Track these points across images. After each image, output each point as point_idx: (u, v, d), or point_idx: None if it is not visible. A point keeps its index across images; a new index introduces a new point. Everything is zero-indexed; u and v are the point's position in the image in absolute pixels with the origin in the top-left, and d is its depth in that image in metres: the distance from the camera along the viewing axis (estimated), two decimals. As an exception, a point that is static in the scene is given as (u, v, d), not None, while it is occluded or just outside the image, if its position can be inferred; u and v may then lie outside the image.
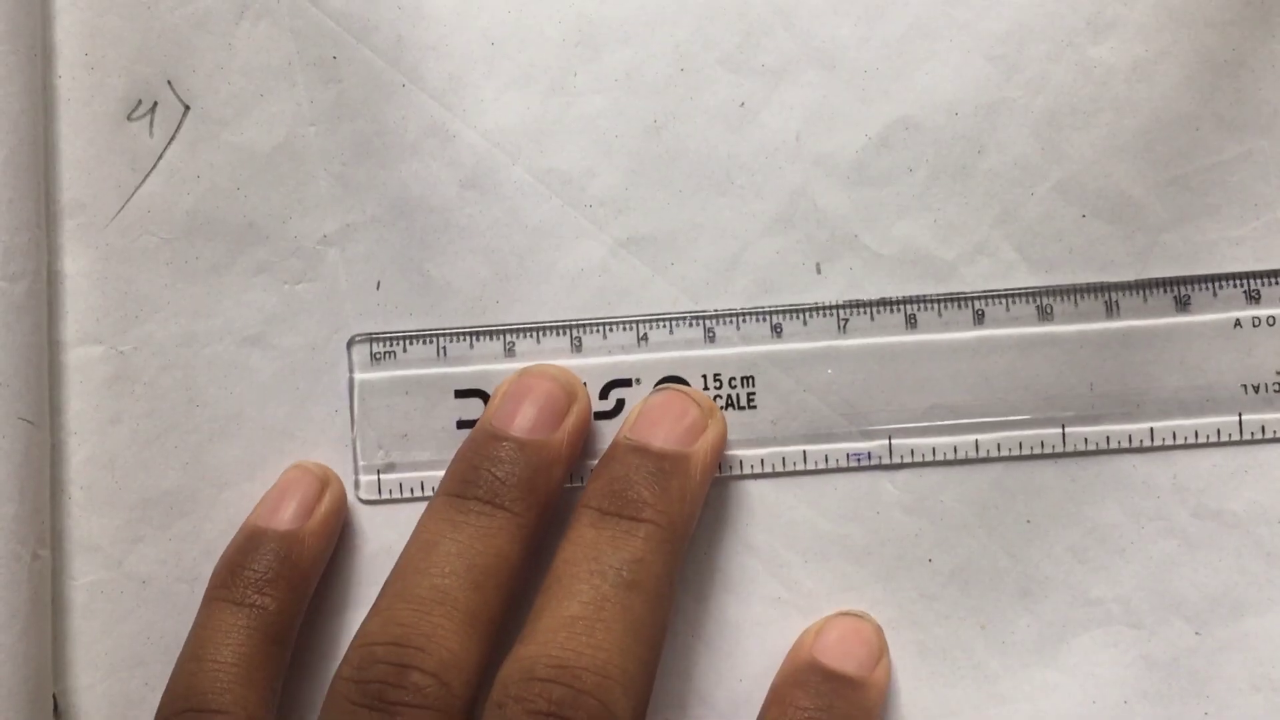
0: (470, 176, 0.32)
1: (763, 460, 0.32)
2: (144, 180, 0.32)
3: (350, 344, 0.32)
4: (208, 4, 0.32)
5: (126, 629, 0.32)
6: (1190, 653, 0.31)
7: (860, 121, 0.32)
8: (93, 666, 0.32)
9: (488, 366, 0.32)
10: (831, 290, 0.32)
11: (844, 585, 0.32)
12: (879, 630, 0.31)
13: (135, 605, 0.32)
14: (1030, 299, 0.32)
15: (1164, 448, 0.32)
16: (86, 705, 0.32)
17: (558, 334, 0.32)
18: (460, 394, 0.32)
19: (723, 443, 0.31)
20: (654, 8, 0.32)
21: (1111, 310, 0.32)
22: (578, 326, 0.32)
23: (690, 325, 0.32)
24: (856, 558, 0.32)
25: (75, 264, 0.32)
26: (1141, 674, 0.31)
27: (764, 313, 0.32)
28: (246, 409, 0.32)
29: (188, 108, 0.32)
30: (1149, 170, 0.32)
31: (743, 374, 0.32)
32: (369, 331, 0.32)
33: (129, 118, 0.32)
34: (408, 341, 0.32)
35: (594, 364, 0.32)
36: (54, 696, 0.31)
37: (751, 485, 0.32)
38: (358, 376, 0.32)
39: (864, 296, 0.32)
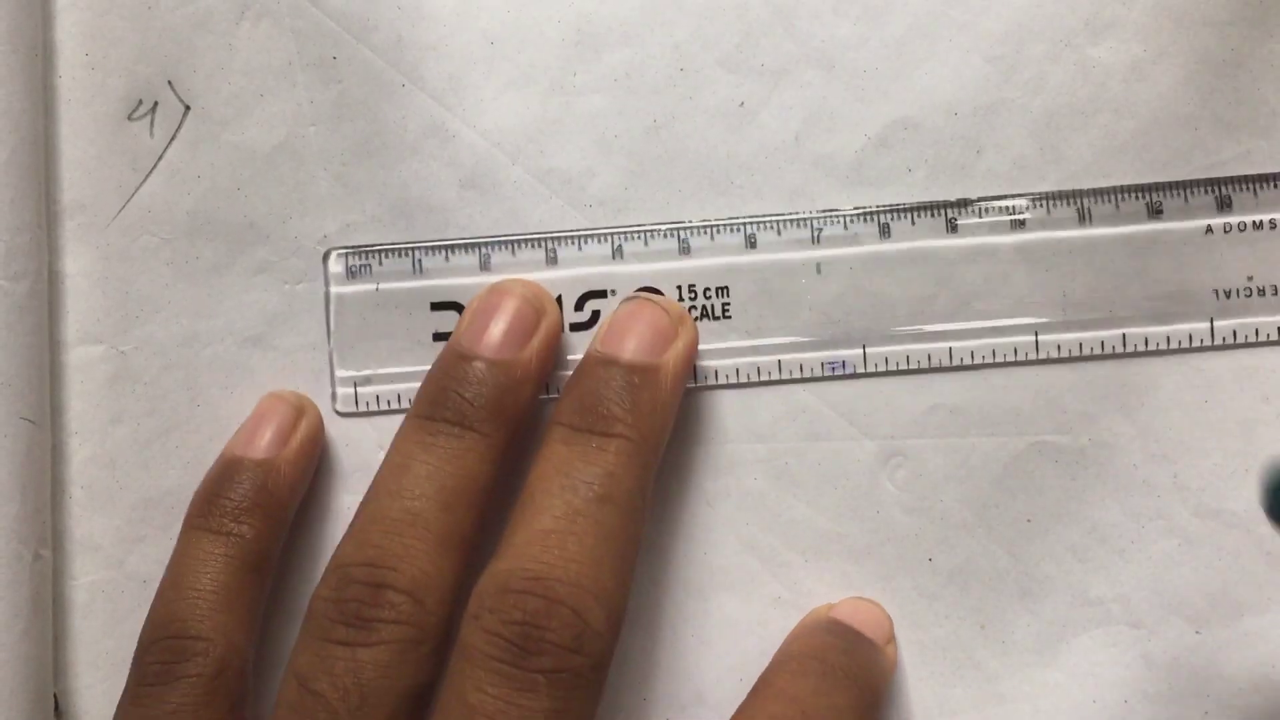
0: (470, 176, 0.32)
1: (737, 370, 0.32)
2: (144, 180, 0.32)
3: (326, 256, 0.32)
4: (208, 4, 0.32)
5: (127, 629, 0.32)
6: (1190, 653, 0.31)
7: (859, 122, 0.32)
8: (93, 666, 0.32)
9: (463, 280, 0.32)
10: (831, 290, 0.32)
11: (844, 585, 0.32)
12: (888, 616, 0.31)
13: (136, 605, 0.32)
14: (1004, 209, 0.32)
15: (1137, 355, 0.32)
16: (87, 705, 0.32)
17: (533, 246, 0.32)
18: (436, 306, 0.32)
19: (694, 351, 0.31)
20: (653, 8, 0.32)
21: (1084, 218, 0.32)
22: (553, 239, 0.32)
23: (665, 237, 0.32)
24: (856, 557, 0.32)
25: (76, 264, 0.32)
26: (1141, 674, 0.31)
27: (738, 223, 0.32)
28: (247, 409, 0.32)
29: (188, 108, 0.32)
30: (1147, 171, 0.32)
31: (717, 284, 0.32)
32: (345, 245, 0.32)
33: (129, 118, 0.32)
34: (383, 255, 0.32)
35: (569, 276, 0.32)
36: (54, 696, 0.32)
37: (751, 483, 0.32)
38: (333, 290, 0.32)
39: (863, 297, 0.32)
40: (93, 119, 0.32)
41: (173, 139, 0.32)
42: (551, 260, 0.32)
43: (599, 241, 0.32)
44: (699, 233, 0.32)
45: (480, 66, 0.32)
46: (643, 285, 0.32)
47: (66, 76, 0.32)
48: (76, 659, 0.32)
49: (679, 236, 0.32)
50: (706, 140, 0.32)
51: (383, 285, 0.32)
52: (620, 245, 0.32)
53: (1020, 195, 0.32)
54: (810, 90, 0.32)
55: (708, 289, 0.32)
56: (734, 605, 0.32)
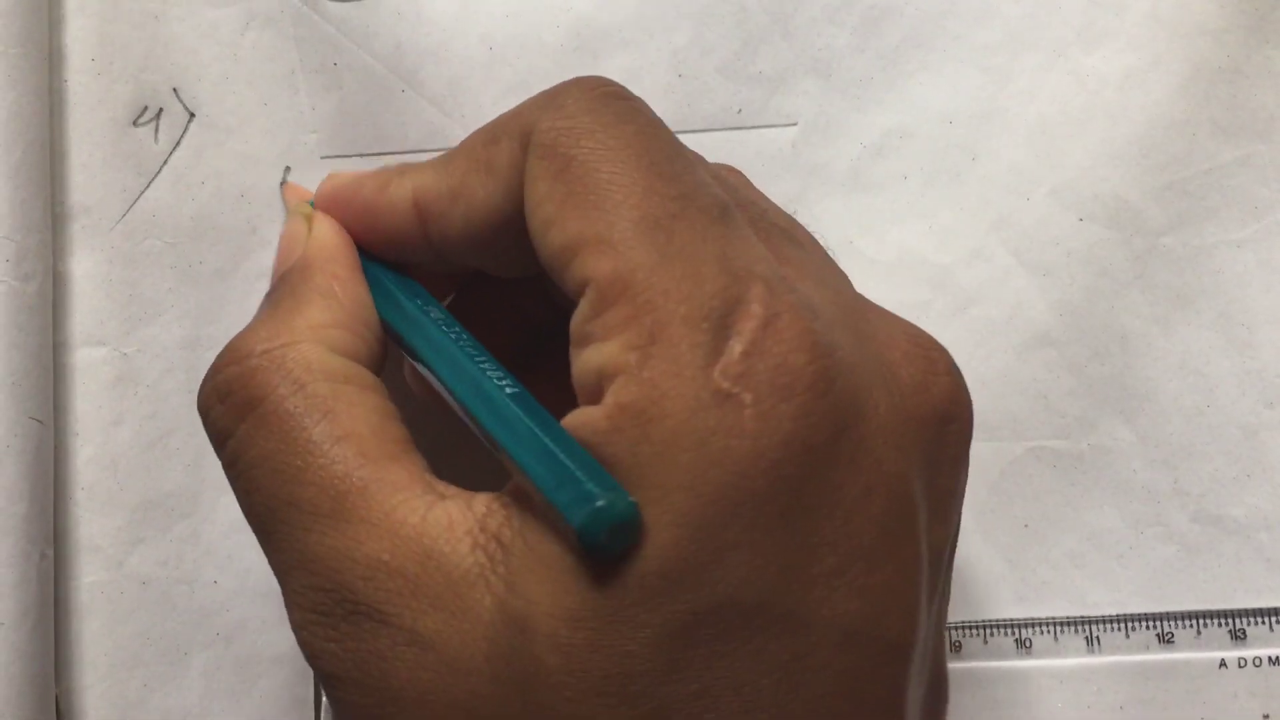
0: (470, 182, 0.33)
1: None
2: (149, 185, 0.33)
3: None
4: (214, 15, 0.34)
5: (127, 630, 0.33)
6: (1188, 660, 0.32)
7: (856, 129, 0.33)
8: (93, 667, 0.33)
9: None
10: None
11: (841, 590, 0.32)
12: None
13: (136, 606, 0.33)
14: (1010, 633, 0.32)
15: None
16: (87, 705, 0.33)
17: None
18: None
19: None
20: (652, 14, 0.33)
21: (1092, 645, 0.32)
22: None
23: None
24: (853, 562, 0.32)
25: (80, 266, 0.33)
26: (1138, 680, 0.32)
27: None
28: (248, 411, 0.33)
29: (192, 115, 0.33)
30: (1145, 175, 0.33)
31: None
32: None
33: (135, 123, 0.33)
34: None
35: None
36: (55, 697, 0.32)
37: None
38: (325, 696, 0.32)
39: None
40: (99, 124, 0.34)
41: (177, 145, 0.33)
42: None
43: None
44: None
45: (479, 72, 0.33)
46: None
47: (74, 82, 0.34)
48: (76, 659, 0.33)
49: None
50: (704, 146, 0.33)
51: None
52: None
53: (1027, 622, 0.32)
54: (807, 98, 0.33)
55: None
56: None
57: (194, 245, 0.34)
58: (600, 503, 0.20)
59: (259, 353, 0.24)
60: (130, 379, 0.34)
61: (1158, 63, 0.33)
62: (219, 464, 0.33)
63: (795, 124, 0.33)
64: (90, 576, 0.33)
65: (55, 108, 0.33)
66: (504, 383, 0.23)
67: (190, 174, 0.34)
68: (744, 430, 0.20)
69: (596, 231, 0.22)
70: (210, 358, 0.33)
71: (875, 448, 0.21)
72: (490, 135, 0.25)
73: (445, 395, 0.24)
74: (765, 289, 0.21)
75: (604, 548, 0.20)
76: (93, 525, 0.33)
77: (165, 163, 0.34)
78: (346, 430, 0.23)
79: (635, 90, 0.34)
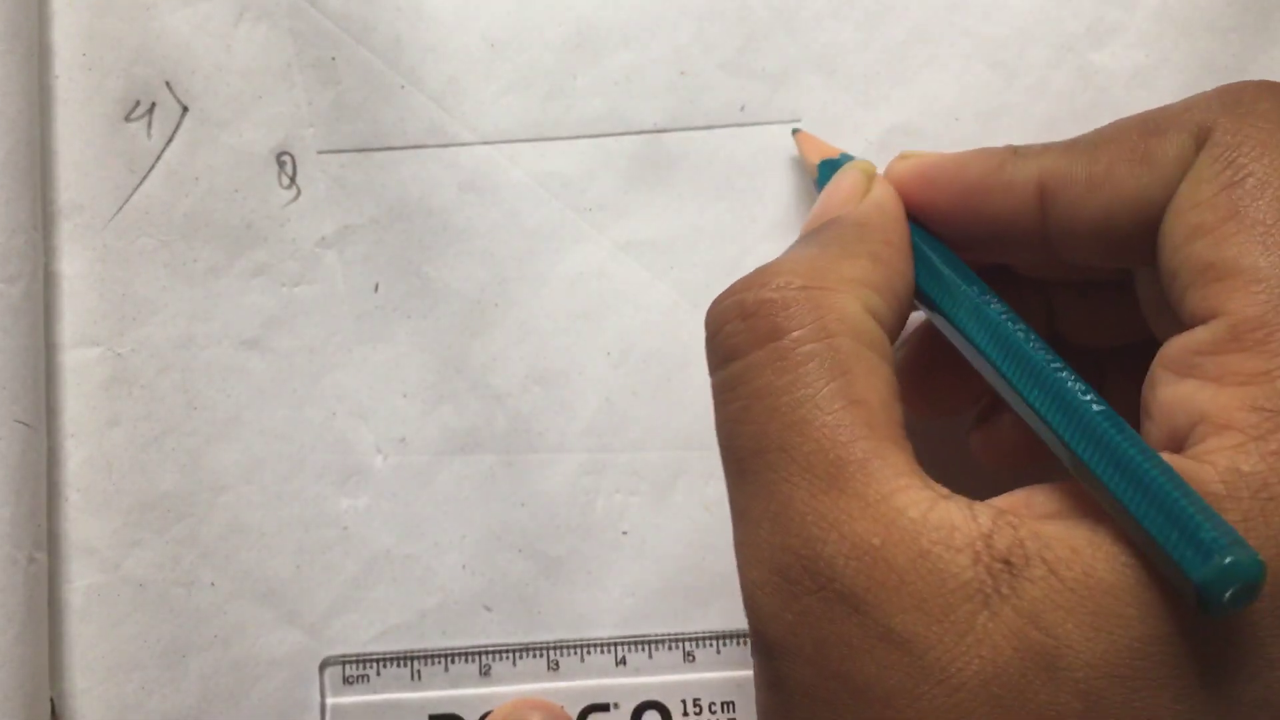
0: (469, 179, 0.33)
1: None
2: (142, 181, 0.33)
3: (323, 667, 0.33)
4: (207, 7, 0.33)
5: (124, 632, 0.33)
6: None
7: (860, 126, 0.33)
8: (89, 670, 0.33)
9: (463, 690, 0.32)
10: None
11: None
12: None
13: (132, 608, 0.33)
14: None
15: None
16: (83, 709, 0.33)
17: (534, 655, 0.32)
18: (435, 719, 0.32)
19: None
20: (654, 11, 0.33)
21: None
22: (554, 648, 0.32)
23: (670, 649, 0.32)
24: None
25: (72, 265, 0.33)
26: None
27: (746, 636, 0.31)
28: (244, 412, 0.33)
29: (186, 109, 0.33)
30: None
31: (724, 699, 0.32)
32: (341, 654, 0.33)
33: (127, 119, 0.33)
34: (381, 664, 0.32)
35: (571, 687, 0.32)
36: (51, 700, 0.32)
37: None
38: (330, 700, 0.32)
39: None
40: (90, 120, 0.33)
41: (170, 140, 0.33)
42: (553, 669, 0.32)
43: (601, 652, 0.32)
44: (704, 644, 0.32)
45: (480, 68, 0.33)
46: (647, 699, 0.32)
47: (64, 77, 0.33)
48: (72, 662, 0.33)
49: (683, 648, 0.32)
50: (707, 144, 0.33)
51: (380, 696, 0.32)
52: (624, 656, 0.32)
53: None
54: (812, 94, 0.33)
55: (713, 704, 0.32)
56: (735, 611, 0.33)
57: (188, 243, 0.33)
58: (1230, 558, 0.18)
59: (797, 286, 0.22)
60: (124, 379, 0.33)
61: (1166, 61, 0.33)
62: (215, 464, 0.34)
63: (799, 121, 0.33)
64: (86, 579, 0.33)
65: (45, 104, 0.33)
66: (1089, 398, 0.21)
67: (184, 170, 0.33)
68: None
69: (1252, 264, 0.20)
70: (205, 356, 0.34)
71: None
72: (1152, 125, 0.23)
73: (1008, 395, 0.23)
74: None
75: (1220, 609, 0.18)
76: (88, 528, 0.33)
77: (158, 158, 0.33)
78: (860, 395, 0.21)
79: (637, 87, 0.34)
